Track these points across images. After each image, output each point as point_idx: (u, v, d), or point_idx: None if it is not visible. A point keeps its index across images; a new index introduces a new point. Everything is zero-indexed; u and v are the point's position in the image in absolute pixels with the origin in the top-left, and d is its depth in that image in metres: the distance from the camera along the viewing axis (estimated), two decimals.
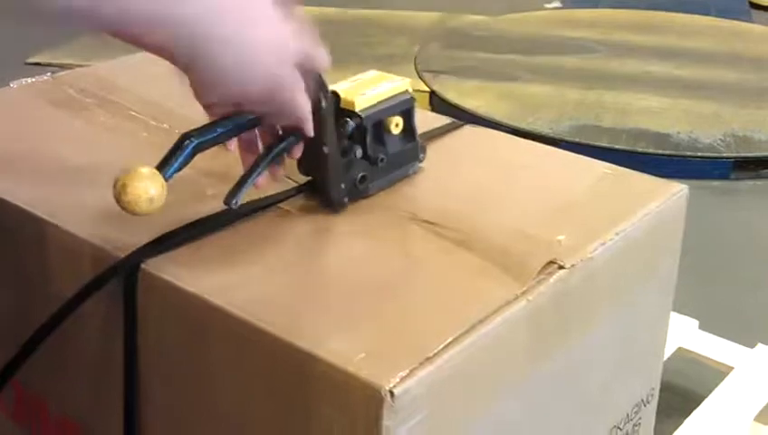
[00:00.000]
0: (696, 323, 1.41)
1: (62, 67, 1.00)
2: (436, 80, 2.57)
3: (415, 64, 2.69)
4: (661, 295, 0.84)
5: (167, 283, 0.65)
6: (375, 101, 0.76)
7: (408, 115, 0.78)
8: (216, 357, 0.64)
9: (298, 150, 0.73)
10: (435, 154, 0.83)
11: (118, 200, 0.62)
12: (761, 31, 3.16)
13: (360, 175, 0.75)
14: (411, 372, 0.56)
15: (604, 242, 0.71)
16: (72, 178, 0.79)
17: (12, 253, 0.78)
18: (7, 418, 0.85)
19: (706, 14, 3.28)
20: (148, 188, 0.61)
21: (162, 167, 0.64)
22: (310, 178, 0.76)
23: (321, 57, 0.69)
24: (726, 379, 1.28)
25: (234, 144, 0.71)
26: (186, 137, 0.66)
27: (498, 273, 0.67)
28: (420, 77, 2.57)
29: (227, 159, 0.73)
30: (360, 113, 0.74)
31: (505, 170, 0.85)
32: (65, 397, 0.79)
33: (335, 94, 0.74)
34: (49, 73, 1.03)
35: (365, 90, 0.76)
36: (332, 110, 0.72)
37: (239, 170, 0.71)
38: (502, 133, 0.95)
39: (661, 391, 0.89)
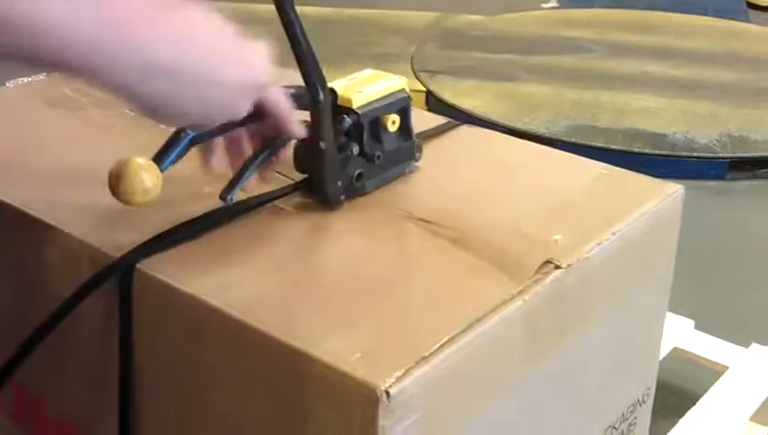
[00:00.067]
0: (691, 322, 1.41)
1: None
2: (433, 80, 2.57)
3: (411, 64, 2.69)
4: (657, 295, 0.84)
5: (162, 283, 0.65)
6: (372, 99, 0.76)
7: (404, 113, 0.78)
8: (212, 357, 0.64)
9: (284, 152, 0.73)
10: (431, 153, 0.83)
11: (113, 191, 0.62)
12: (758, 31, 3.16)
13: (356, 172, 0.75)
14: (407, 371, 0.55)
15: (600, 242, 0.71)
16: (68, 178, 0.79)
17: (9, 253, 0.78)
18: (6, 418, 0.85)
19: (704, 13, 3.29)
20: (144, 178, 0.62)
21: (158, 159, 0.64)
22: (306, 175, 0.76)
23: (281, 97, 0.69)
24: (722, 378, 1.28)
25: (215, 159, 0.71)
26: (181, 129, 0.66)
27: (494, 272, 0.67)
28: (417, 77, 2.58)
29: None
30: (357, 110, 0.74)
31: (502, 170, 0.85)
32: (63, 396, 0.79)
33: (332, 91, 0.74)
34: (44, 73, 1.02)
35: (362, 87, 0.76)
36: (330, 105, 0.72)
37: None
38: (498, 133, 0.95)
39: (657, 390, 0.89)
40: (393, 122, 0.77)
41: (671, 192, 0.80)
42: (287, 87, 0.72)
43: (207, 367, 0.65)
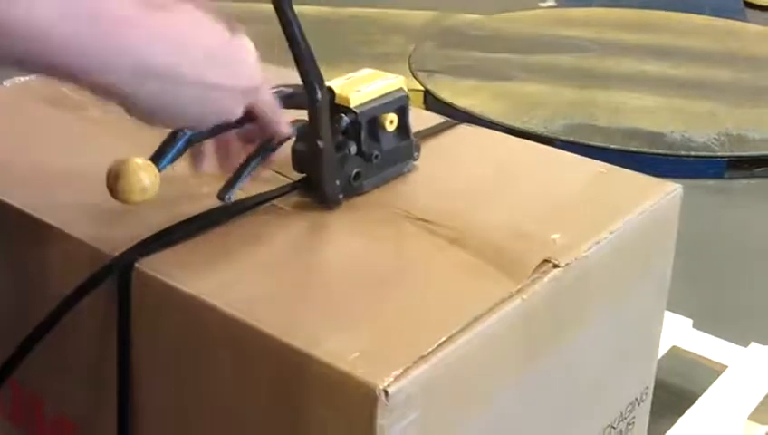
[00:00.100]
0: (689, 321, 1.41)
1: None
2: (431, 79, 2.57)
3: (409, 63, 2.69)
4: (655, 294, 0.84)
5: (160, 282, 0.65)
6: (370, 98, 0.76)
7: (402, 112, 0.78)
8: (211, 356, 0.64)
9: (281, 151, 0.73)
10: (429, 153, 0.83)
11: (111, 190, 0.62)
12: (755, 30, 3.16)
13: (354, 171, 0.75)
14: (405, 371, 0.55)
15: (599, 241, 0.71)
16: (67, 178, 0.79)
17: (8, 253, 0.78)
18: (4, 419, 0.85)
19: (701, 13, 3.29)
20: (142, 177, 0.62)
21: (156, 158, 0.64)
22: (304, 175, 0.76)
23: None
24: (720, 378, 1.28)
25: (205, 163, 0.71)
26: (179, 129, 0.66)
27: (492, 271, 0.67)
28: (415, 76, 2.58)
29: None
30: (354, 109, 0.74)
31: (500, 169, 0.85)
32: (62, 396, 0.78)
33: (330, 90, 0.74)
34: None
35: (360, 86, 0.76)
36: (328, 104, 0.72)
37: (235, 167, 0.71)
38: (496, 132, 0.95)
39: (655, 389, 0.89)
40: (391, 122, 0.77)
41: (669, 191, 0.80)
42: (285, 86, 0.72)
43: (206, 366, 0.65)
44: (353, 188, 0.76)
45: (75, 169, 0.80)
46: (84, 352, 0.72)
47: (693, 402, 1.22)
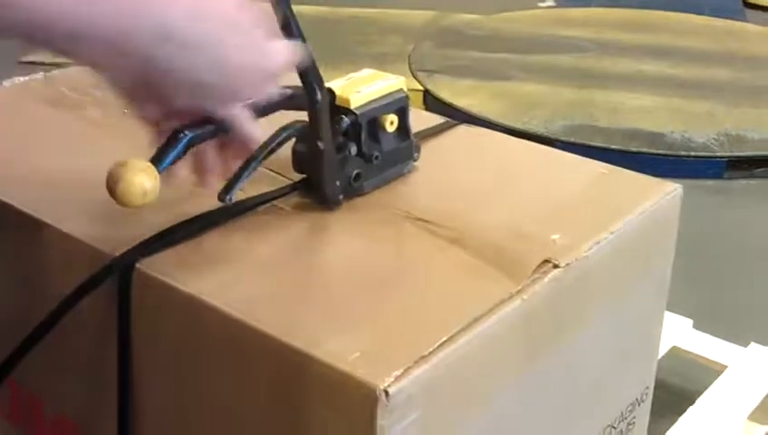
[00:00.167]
0: (689, 321, 1.41)
1: (56, 66, 0.99)
2: (430, 79, 2.57)
3: (408, 63, 2.69)
4: (655, 294, 0.84)
5: (161, 282, 0.65)
6: (370, 99, 0.76)
7: (402, 113, 0.78)
8: (211, 356, 0.64)
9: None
10: (429, 153, 0.83)
11: (111, 193, 0.61)
12: (755, 30, 3.17)
13: (354, 172, 0.75)
14: (406, 371, 0.56)
15: (599, 241, 0.71)
16: (67, 178, 0.79)
17: (8, 253, 0.78)
18: (3, 418, 0.85)
19: (700, 13, 3.29)
20: (143, 181, 0.61)
21: (156, 160, 0.64)
22: (304, 175, 0.76)
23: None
24: (720, 378, 1.28)
25: (183, 169, 0.70)
26: (179, 131, 0.65)
27: (492, 271, 0.67)
28: (414, 76, 2.58)
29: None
30: (355, 110, 0.74)
31: (500, 170, 0.85)
32: (62, 396, 0.79)
33: (330, 92, 0.74)
34: (42, 72, 1.02)
35: (360, 87, 0.76)
36: (328, 105, 0.72)
37: (234, 168, 0.71)
38: (496, 133, 0.95)
39: (655, 389, 0.89)
40: (391, 122, 0.77)
41: (669, 191, 0.80)
42: (285, 87, 0.72)
43: (206, 366, 0.65)
44: (353, 189, 0.76)
45: (75, 169, 0.80)
46: (84, 352, 0.72)
47: (693, 402, 1.22)
